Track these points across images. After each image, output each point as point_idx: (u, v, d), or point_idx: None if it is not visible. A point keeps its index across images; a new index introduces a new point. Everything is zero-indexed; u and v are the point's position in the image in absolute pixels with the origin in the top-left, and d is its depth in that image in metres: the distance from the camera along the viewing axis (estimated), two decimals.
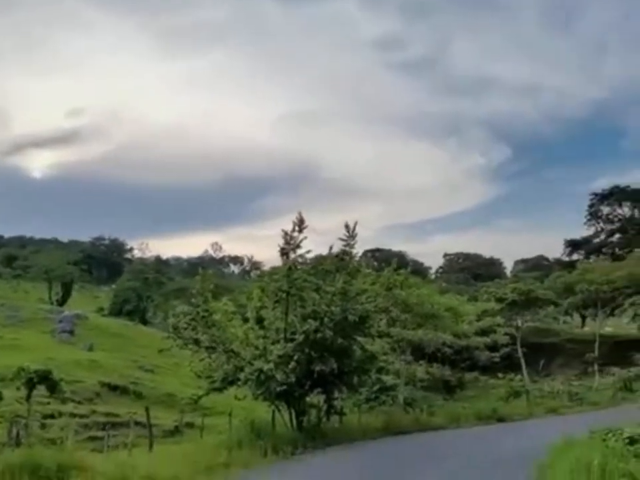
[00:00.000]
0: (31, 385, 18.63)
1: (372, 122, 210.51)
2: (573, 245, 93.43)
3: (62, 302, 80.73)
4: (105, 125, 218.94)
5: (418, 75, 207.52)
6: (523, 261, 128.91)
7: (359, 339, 23.15)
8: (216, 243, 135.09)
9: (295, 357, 20.53)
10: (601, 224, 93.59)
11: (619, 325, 62.11)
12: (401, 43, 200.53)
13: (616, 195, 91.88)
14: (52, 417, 23.02)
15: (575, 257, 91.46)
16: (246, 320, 23.43)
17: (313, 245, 21.88)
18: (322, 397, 23.66)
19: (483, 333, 46.32)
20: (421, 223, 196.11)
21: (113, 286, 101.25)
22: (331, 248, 21.73)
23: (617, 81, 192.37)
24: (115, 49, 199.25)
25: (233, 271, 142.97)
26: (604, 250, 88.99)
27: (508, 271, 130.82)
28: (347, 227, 21.30)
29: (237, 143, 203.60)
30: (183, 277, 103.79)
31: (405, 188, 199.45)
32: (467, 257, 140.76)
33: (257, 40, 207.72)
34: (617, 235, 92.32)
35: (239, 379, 21.16)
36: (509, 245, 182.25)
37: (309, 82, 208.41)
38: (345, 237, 21.32)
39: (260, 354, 21.20)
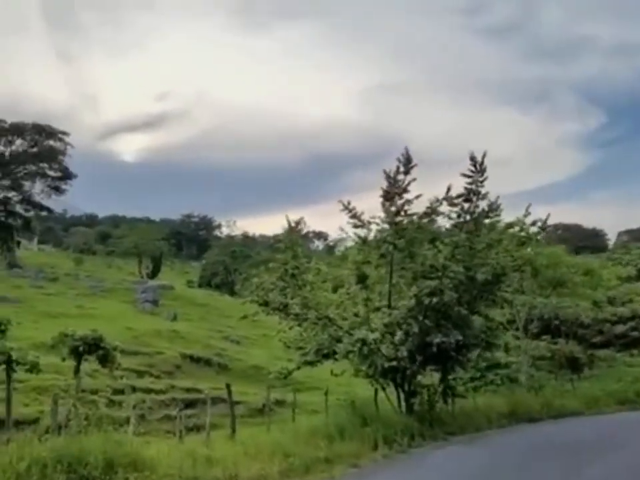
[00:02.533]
0: (77, 354, 15.20)
1: (456, 91, 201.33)
2: None
3: (152, 276, 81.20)
4: (189, 109, 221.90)
5: (504, 40, 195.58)
6: (628, 232, 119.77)
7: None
8: (301, 219, 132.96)
9: (404, 326, 16.55)
10: None
11: None
12: (486, 7, 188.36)
13: None
14: (122, 392, 20.34)
15: None
16: (339, 287, 19.66)
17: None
18: (435, 375, 19.68)
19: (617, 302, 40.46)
20: (509, 196, 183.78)
21: (203, 261, 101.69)
22: (448, 189, 17.04)
23: None
24: (193, 28, 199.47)
25: (318, 246, 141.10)
26: None
27: (610, 243, 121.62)
28: (472, 159, 16.45)
29: (319, 120, 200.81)
30: (270, 252, 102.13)
31: (492, 159, 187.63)
32: (566, 228, 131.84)
33: (336, 11, 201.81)
34: None
35: (335, 352, 17.39)
36: (605, 217, 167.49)
37: (392, 53, 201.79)
38: (470, 173, 16.53)
39: (361, 321, 17.32)
